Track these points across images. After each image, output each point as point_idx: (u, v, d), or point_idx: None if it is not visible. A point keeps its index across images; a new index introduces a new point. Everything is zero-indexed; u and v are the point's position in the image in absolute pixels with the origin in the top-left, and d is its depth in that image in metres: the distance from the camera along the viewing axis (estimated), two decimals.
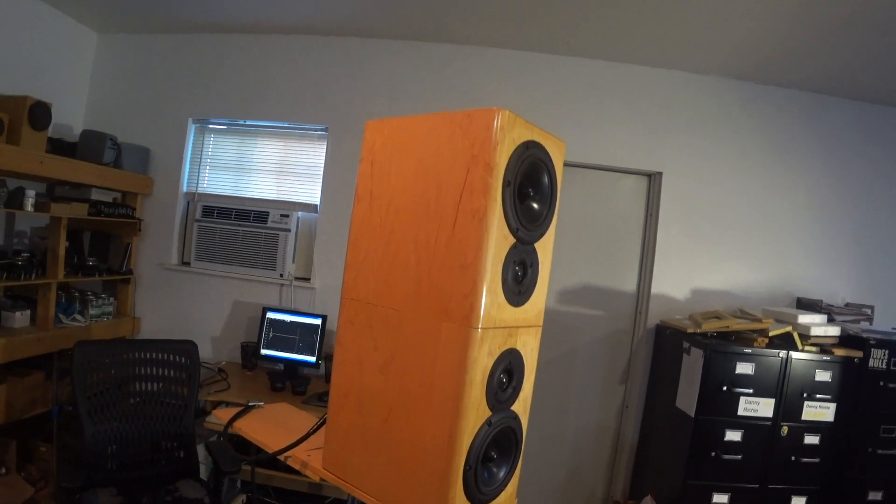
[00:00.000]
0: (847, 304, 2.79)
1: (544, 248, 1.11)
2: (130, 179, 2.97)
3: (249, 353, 2.87)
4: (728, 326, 2.40)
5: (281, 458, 1.34)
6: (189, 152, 3.17)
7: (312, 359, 2.78)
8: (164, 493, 1.94)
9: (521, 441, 1.13)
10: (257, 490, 2.62)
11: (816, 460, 2.35)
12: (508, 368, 1.06)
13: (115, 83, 3.20)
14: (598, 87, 2.89)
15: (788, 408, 2.32)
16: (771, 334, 2.37)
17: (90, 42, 3.19)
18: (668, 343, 2.68)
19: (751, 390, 2.30)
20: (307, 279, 3.04)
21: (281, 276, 2.96)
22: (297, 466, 1.31)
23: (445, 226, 1.00)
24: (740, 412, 2.30)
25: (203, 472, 2.32)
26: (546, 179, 1.07)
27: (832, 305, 2.70)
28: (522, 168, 1.00)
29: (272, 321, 2.83)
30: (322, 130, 3.06)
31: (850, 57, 2.43)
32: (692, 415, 2.31)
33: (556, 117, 2.88)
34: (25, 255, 2.51)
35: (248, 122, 3.14)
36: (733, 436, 2.31)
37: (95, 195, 2.82)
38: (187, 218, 3.19)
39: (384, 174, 1.13)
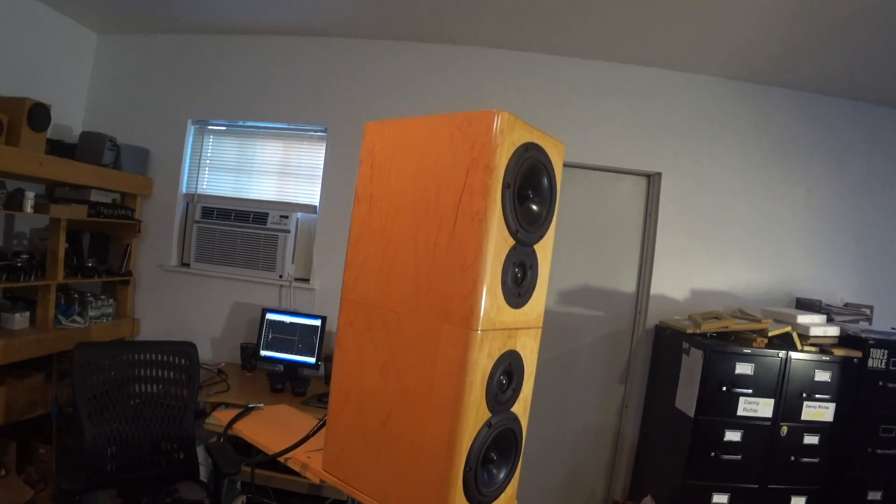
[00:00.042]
0: (846, 305, 2.79)
1: (544, 249, 1.11)
2: (130, 180, 2.97)
3: (249, 354, 2.87)
4: (727, 327, 2.40)
5: (281, 459, 1.34)
6: (188, 153, 3.17)
7: (312, 360, 2.78)
8: (163, 494, 1.95)
9: (521, 442, 1.13)
10: (257, 491, 2.62)
11: (816, 460, 2.36)
12: (508, 370, 1.06)
13: (114, 84, 3.20)
14: (597, 88, 2.89)
15: (788, 408, 2.32)
16: (770, 334, 2.37)
17: (90, 43, 3.18)
18: (667, 343, 2.68)
19: (750, 390, 2.30)
20: (307, 280, 3.03)
21: (280, 277, 2.96)
22: (297, 468, 1.31)
23: (445, 228, 1.00)
24: (740, 412, 2.30)
25: (203, 474, 2.32)
26: (545, 181, 1.08)
27: (831, 305, 2.71)
28: (522, 170, 1.00)
29: (272, 322, 2.83)
30: (321, 131, 3.06)
31: (850, 57, 2.43)
32: (692, 415, 2.32)
33: (556, 118, 2.88)
34: (25, 256, 2.51)
35: (247, 123, 3.14)
36: (733, 436, 2.31)
37: (95, 196, 2.82)
38: (187, 219, 3.19)
39: (384, 176, 1.13)
